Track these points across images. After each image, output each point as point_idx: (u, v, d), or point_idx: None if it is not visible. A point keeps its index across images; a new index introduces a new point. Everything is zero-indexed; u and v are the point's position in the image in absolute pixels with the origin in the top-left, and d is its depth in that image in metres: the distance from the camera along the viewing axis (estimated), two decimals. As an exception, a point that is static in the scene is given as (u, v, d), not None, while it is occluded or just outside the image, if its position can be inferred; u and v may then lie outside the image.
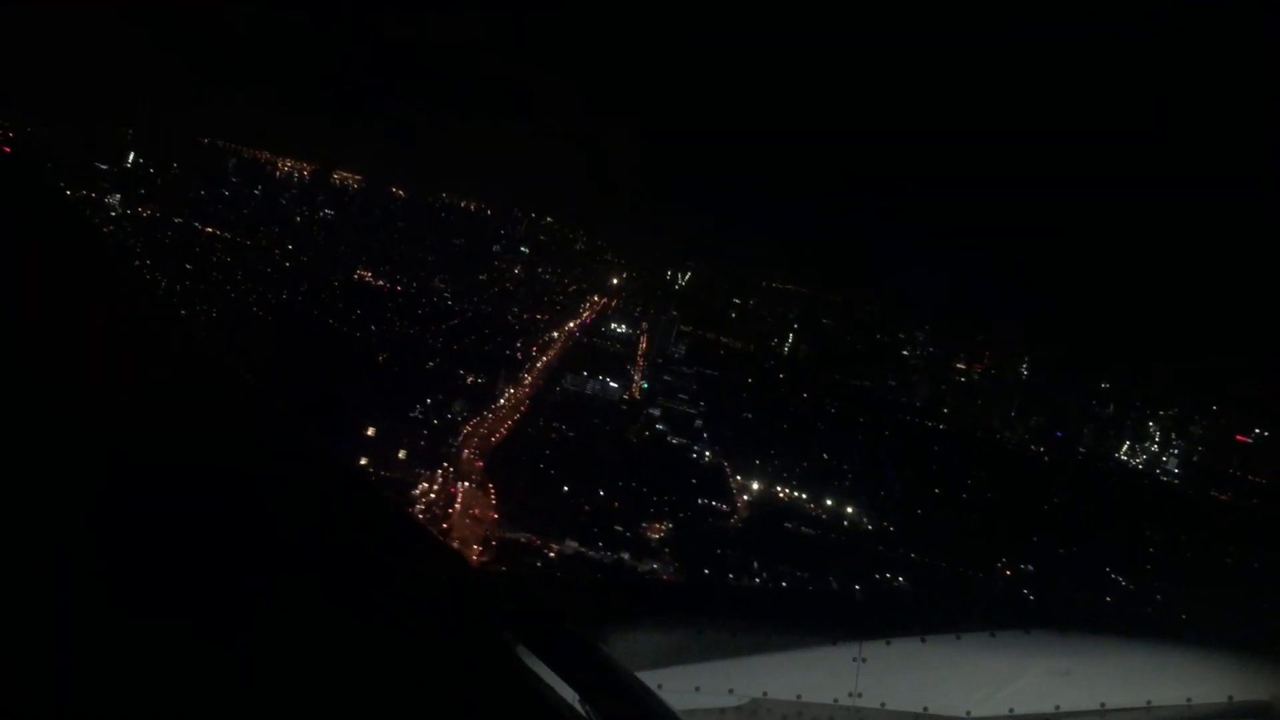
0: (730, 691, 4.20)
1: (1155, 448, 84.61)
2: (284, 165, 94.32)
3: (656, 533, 37.97)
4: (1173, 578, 51.87)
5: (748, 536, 41.32)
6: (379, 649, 2.35)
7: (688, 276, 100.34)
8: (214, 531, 2.48)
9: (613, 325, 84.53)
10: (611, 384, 55.57)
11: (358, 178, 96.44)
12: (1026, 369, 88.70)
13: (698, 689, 4.15)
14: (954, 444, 73.08)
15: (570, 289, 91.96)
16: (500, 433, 45.12)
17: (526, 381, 55.03)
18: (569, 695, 2.52)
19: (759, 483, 49.85)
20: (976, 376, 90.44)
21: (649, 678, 3.60)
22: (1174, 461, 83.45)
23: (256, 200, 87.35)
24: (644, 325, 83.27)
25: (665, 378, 67.98)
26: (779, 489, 49.84)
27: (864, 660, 4.25)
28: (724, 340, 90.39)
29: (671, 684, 4.03)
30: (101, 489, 2.45)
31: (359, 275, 72.01)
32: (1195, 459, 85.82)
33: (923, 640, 4.39)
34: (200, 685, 2.06)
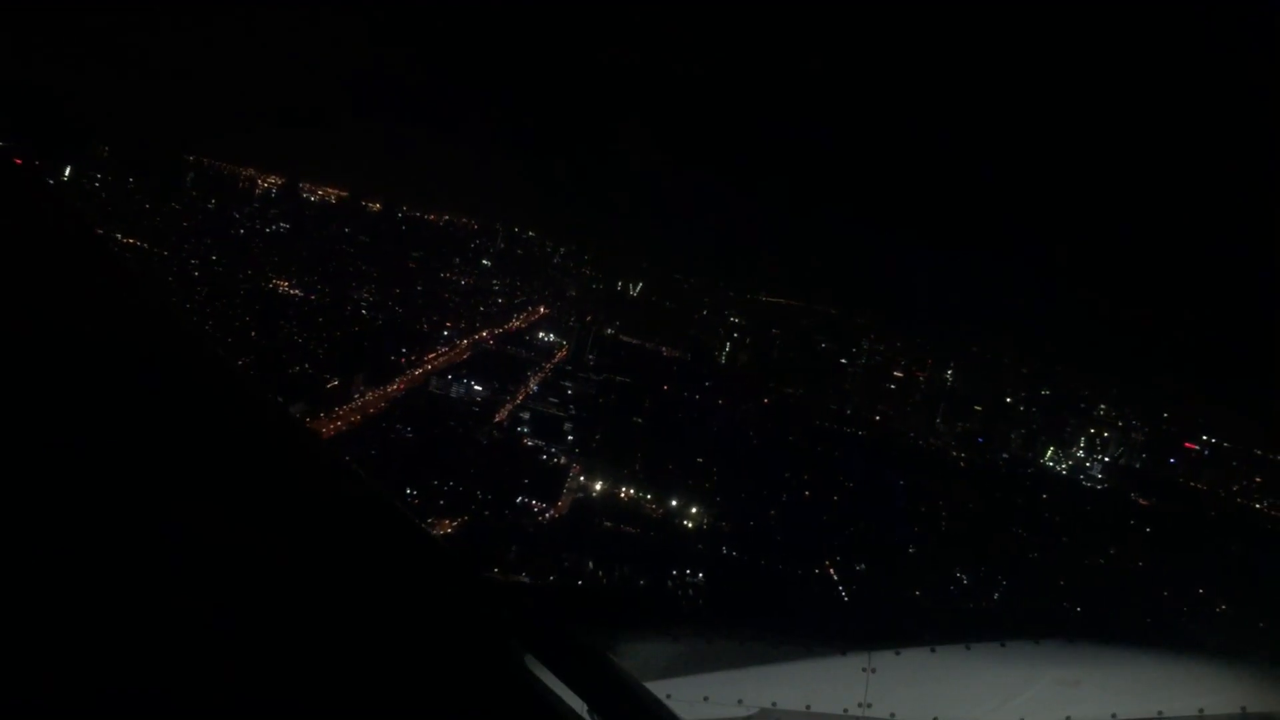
0: (739, 702, 4.15)
1: (1080, 453, 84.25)
2: (264, 180, 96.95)
3: (443, 528, 39.17)
4: (1027, 577, 52.14)
5: (552, 533, 42.44)
6: (387, 657, 2.36)
7: (640, 286, 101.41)
8: (220, 533, 2.49)
9: (539, 334, 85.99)
10: (477, 387, 56.96)
11: (326, 190, 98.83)
12: (951, 375, 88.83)
13: (707, 699, 4.11)
14: (859, 448, 73.21)
15: (518, 299, 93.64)
16: (323, 434, 46.58)
17: (395, 385, 56.52)
18: (577, 705, 2.52)
19: (604, 483, 50.86)
20: (919, 383, 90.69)
21: (658, 688, 3.64)
22: (1097, 467, 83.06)
23: (206, 212, 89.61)
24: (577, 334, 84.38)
25: (565, 383, 69.16)
26: (623, 489, 50.83)
27: (874, 670, 4.21)
28: (663, 349, 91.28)
29: (680, 694, 4.01)
30: (115, 492, 2.45)
31: (275, 284, 73.83)
32: (1139, 465, 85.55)
33: (932, 650, 4.36)
34: (205, 689, 2.06)
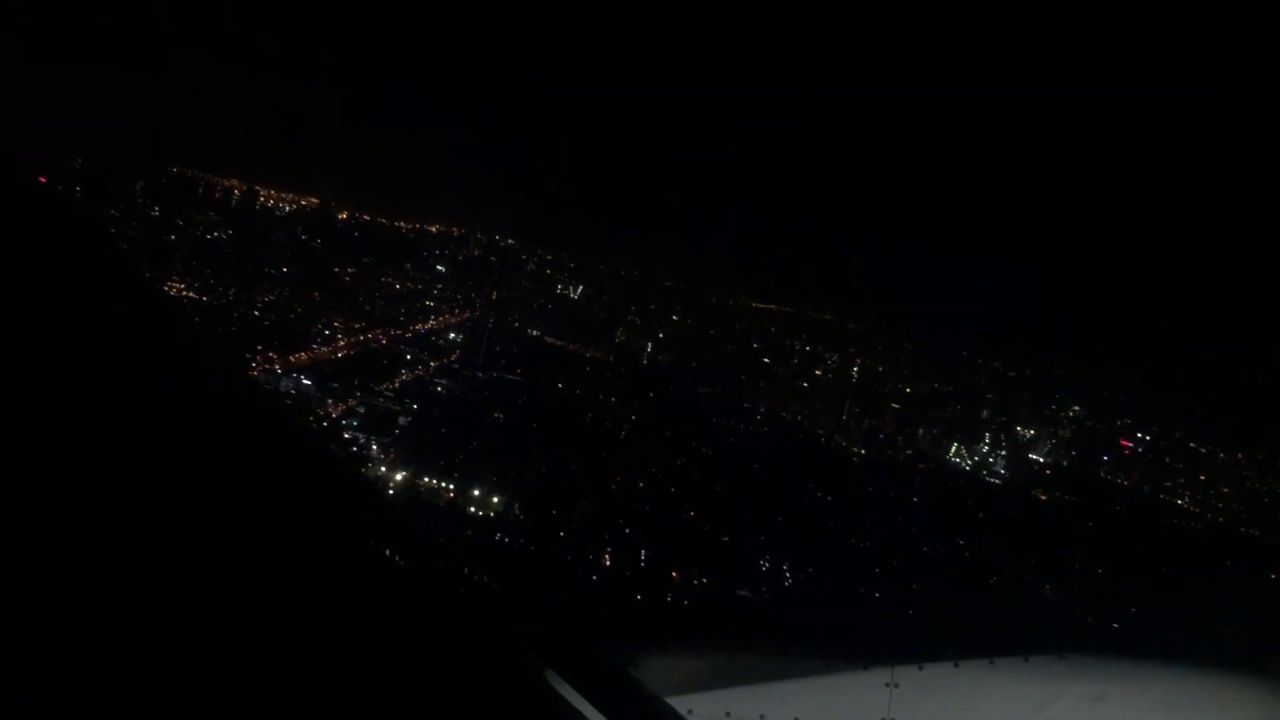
0: (762, 717, 4.08)
1: (985, 448, 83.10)
2: (238, 190, 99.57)
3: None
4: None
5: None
6: (408, 672, 2.35)
7: (580, 289, 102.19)
8: (250, 550, 2.49)
9: (451, 335, 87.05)
10: (306, 382, 58.33)
11: (306, 199, 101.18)
12: (857, 372, 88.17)
13: (728, 714, 4.05)
14: (732, 443, 72.81)
15: (458, 302, 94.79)
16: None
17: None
18: None
19: (405, 473, 51.79)
20: (829, 380, 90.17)
21: (680, 703, 3.66)
22: (1001, 463, 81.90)
23: (145, 219, 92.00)
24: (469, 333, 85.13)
25: (439, 380, 70.31)
26: (424, 479, 51.71)
27: (896, 685, 4.21)
28: (587, 351, 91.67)
29: (702, 709, 3.97)
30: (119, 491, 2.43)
31: (169, 286, 75.87)
32: (1065, 463, 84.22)
33: (956, 665, 4.35)
34: (231, 707, 2.06)
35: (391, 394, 61.78)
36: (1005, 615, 46.57)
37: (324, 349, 70.76)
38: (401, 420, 58.41)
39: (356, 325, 79.69)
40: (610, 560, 47.00)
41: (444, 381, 69.98)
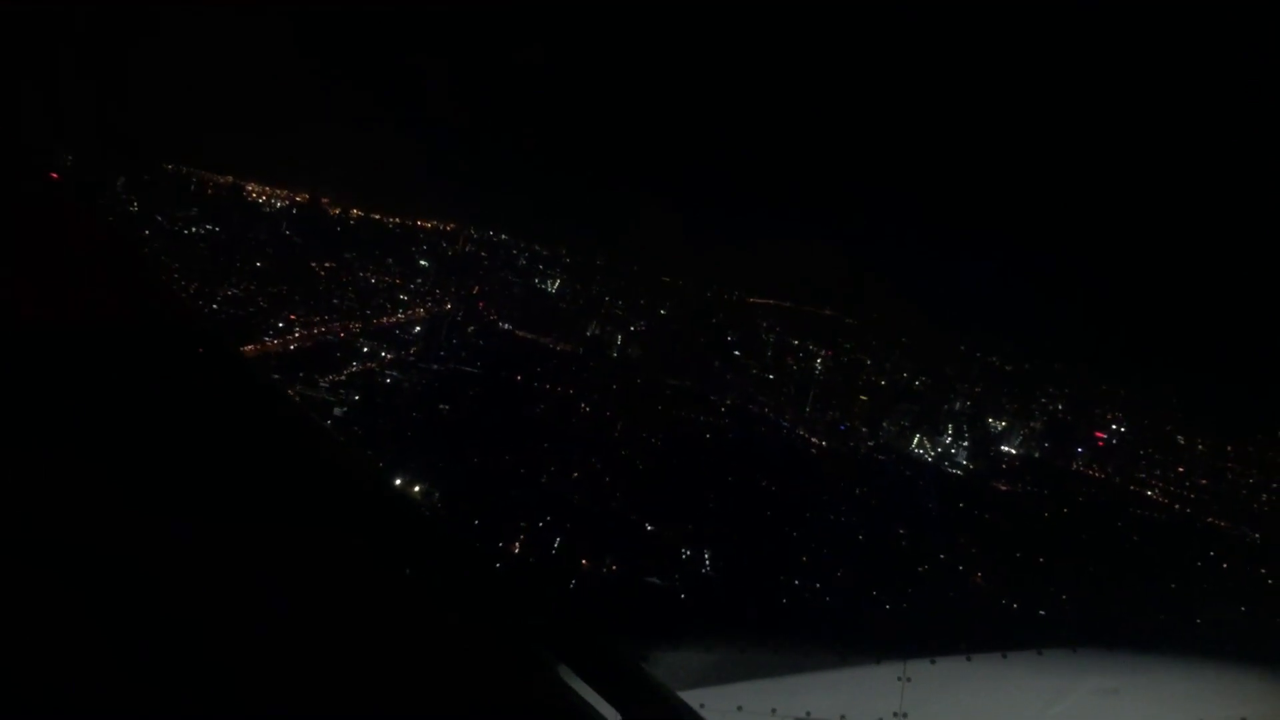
0: (773, 711, 4.12)
1: (948, 439, 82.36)
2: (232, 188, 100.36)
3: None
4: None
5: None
6: (414, 667, 2.34)
7: (557, 283, 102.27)
8: (244, 539, 2.47)
9: (417, 328, 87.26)
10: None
11: (299, 195, 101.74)
12: (821, 364, 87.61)
13: (740, 708, 4.09)
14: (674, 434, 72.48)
15: (433, 296, 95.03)
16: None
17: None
18: (611, 715, 2.54)
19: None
20: (794, 370, 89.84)
21: (691, 697, 3.64)
22: (963, 454, 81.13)
23: (124, 216, 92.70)
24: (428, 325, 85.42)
25: (390, 372, 70.59)
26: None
27: (908, 679, 4.22)
28: (558, 345, 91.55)
29: (714, 703, 4.00)
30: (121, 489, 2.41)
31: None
32: (1038, 455, 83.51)
33: (968, 659, 4.42)
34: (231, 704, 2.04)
35: (331, 386, 61.90)
36: (934, 607, 46.05)
37: (275, 341, 71.04)
38: (337, 411, 58.56)
39: (316, 318, 79.92)
40: (519, 549, 46.97)
41: (394, 374, 70.02)
